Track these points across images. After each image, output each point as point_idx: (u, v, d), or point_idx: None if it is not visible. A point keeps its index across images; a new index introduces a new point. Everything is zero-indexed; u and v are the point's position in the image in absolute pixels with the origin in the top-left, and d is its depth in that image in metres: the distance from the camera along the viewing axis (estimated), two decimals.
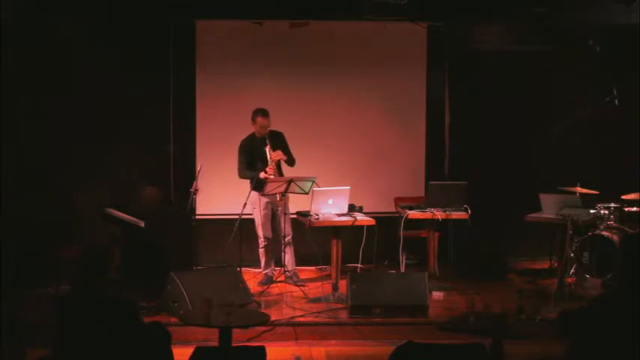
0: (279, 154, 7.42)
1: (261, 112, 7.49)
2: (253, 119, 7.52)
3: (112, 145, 8.14)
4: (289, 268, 7.63)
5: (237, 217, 7.36)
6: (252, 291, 6.95)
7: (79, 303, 4.03)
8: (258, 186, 7.39)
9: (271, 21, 8.35)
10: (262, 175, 7.36)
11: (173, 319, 5.96)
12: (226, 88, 8.55)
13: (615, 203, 7.65)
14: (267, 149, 7.43)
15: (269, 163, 7.41)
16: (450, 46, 8.71)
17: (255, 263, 7.89)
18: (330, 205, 7.02)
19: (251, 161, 7.53)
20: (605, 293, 5.32)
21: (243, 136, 7.70)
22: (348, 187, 7.13)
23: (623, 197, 7.70)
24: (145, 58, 8.17)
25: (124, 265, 7.10)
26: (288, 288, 7.45)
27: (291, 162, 7.63)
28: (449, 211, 7.33)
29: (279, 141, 7.55)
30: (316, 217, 6.94)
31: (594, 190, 7.70)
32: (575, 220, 7.33)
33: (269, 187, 7.18)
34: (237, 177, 7.68)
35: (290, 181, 7.17)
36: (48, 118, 7.87)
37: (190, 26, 8.47)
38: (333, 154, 8.63)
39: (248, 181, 7.54)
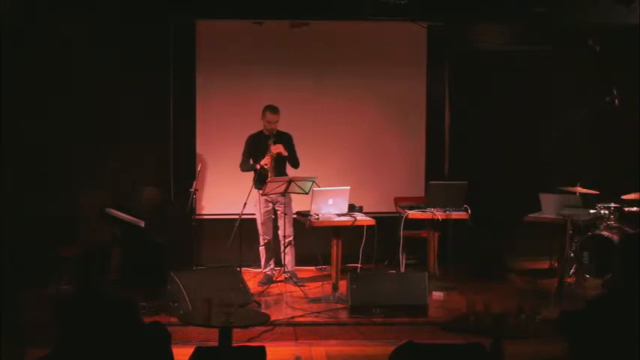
0: (279, 148, 7.45)
1: (270, 108, 7.55)
2: (263, 115, 7.57)
3: (112, 145, 8.15)
4: (289, 269, 7.64)
5: (237, 217, 7.37)
6: (252, 291, 6.95)
7: (79, 303, 4.03)
8: (260, 183, 7.39)
9: (271, 21, 8.35)
10: (258, 165, 7.39)
11: (173, 319, 5.96)
12: (226, 88, 8.56)
13: (615, 203, 7.65)
14: (270, 142, 7.46)
15: (268, 154, 7.42)
16: (450, 46, 8.72)
17: (256, 263, 7.90)
18: (330, 205, 7.02)
19: (254, 156, 7.55)
20: (605, 293, 5.32)
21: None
22: (348, 187, 7.13)
23: (623, 197, 7.70)
24: (145, 58, 8.18)
25: (124, 265, 7.13)
26: (288, 288, 7.45)
27: (294, 163, 7.66)
28: (449, 211, 7.33)
29: (285, 141, 7.58)
30: (316, 217, 6.94)
31: (594, 190, 7.70)
32: (575, 220, 7.33)
33: (269, 187, 7.19)
34: (238, 176, 7.71)
35: (290, 181, 7.17)
36: (48, 118, 7.88)
37: (190, 26, 8.48)
38: (333, 154, 8.64)
39: (248, 181, 7.54)
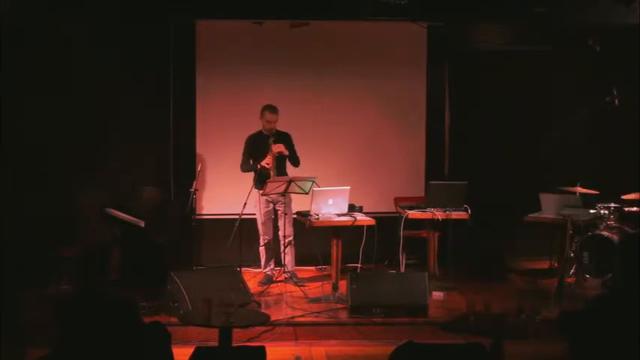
0: (280, 147, 7.45)
1: (269, 108, 7.55)
2: (261, 114, 7.57)
3: (112, 145, 8.15)
4: (289, 269, 7.64)
5: (237, 217, 7.37)
6: (252, 291, 6.95)
7: (79, 303, 4.03)
8: (260, 183, 7.39)
9: (271, 21, 8.35)
10: (261, 164, 7.38)
11: (173, 319, 5.96)
12: (226, 88, 8.56)
13: (615, 203, 7.65)
14: (270, 141, 7.46)
15: (269, 153, 7.42)
16: (450, 46, 8.72)
17: (256, 263, 7.90)
18: (330, 205, 7.02)
19: (255, 156, 7.55)
20: (605, 293, 5.32)
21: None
22: (348, 187, 7.13)
23: (623, 197, 7.70)
24: (145, 58, 8.18)
25: (124, 265, 7.13)
26: (288, 288, 7.45)
27: (295, 162, 7.66)
28: (449, 211, 7.33)
29: (285, 141, 7.58)
30: (316, 217, 6.94)
31: (594, 190, 7.70)
32: (575, 220, 7.33)
33: (269, 187, 7.19)
34: (238, 176, 7.72)
35: (290, 181, 7.17)
36: (48, 118, 7.88)
37: (190, 26, 8.48)
38: (333, 154, 8.64)
39: (248, 181, 7.54)
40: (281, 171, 7.57)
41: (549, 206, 7.63)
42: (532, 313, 6.16)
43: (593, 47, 8.29)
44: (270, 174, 7.40)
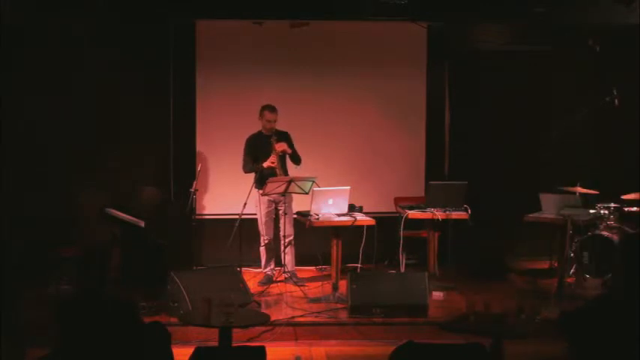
0: (283, 146, 7.46)
1: (269, 108, 7.56)
2: (261, 114, 7.57)
3: (112, 145, 8.15)
4: (289, 269, 7.64)
5: (237, 217, 7.37)
6: (252, 291, 6.95)
7: (79, 303, 4.03)
8: (261, 183, 7.39)
9: (271, 21, 8.35)
10: (266, 164, 7.38)
11: (173, 319, 5.96)
12: (226, 88, 8.56)
13: (615, 203, 7.65)
14: (273, 140, 7.46)
15: (273, 152, 7.41)
16: (450, 46, 8.72)
17: (256, 263, 7.90)
18: (330, 205, 7.02)
19: (256, 156, 7.55)
20: (605, 293, 5.33)
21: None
22: (348, 187, 7.13)
23: (623, 197, 7.70)
24: (145, 58, 8.19)
25: (124, 265, 7.14)
26: (288, 288, 7.45)
27: (296, 159, 7.66)
28: (449, 211, 7.33)
29: (285, 140, 7.59)
30: (316, 217, 6.94)
31: (594, 190, 7.70)
32: (575, 220, 7.33)
33: (269, 187, 7.19)
34: (238, 176, 7.72)
35: (290, 181, 7.17)
36: (48, 118, 7.88)
37: (190, 26, 8.48)
38: (333, 154, 8.64)
39: (248, 181, 7.54)
40: (285, 170, 7.57)
41: (549, 206, 7.63)
42: (532, 313, 6.16)
43: (593, 47, 8.29)
44: (277, 172, 7.40)
